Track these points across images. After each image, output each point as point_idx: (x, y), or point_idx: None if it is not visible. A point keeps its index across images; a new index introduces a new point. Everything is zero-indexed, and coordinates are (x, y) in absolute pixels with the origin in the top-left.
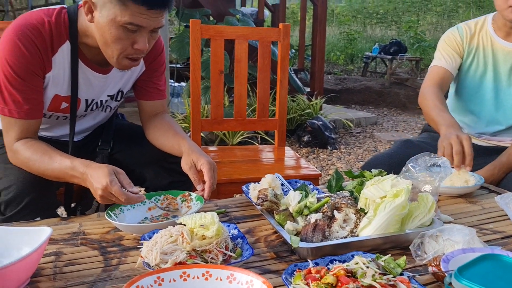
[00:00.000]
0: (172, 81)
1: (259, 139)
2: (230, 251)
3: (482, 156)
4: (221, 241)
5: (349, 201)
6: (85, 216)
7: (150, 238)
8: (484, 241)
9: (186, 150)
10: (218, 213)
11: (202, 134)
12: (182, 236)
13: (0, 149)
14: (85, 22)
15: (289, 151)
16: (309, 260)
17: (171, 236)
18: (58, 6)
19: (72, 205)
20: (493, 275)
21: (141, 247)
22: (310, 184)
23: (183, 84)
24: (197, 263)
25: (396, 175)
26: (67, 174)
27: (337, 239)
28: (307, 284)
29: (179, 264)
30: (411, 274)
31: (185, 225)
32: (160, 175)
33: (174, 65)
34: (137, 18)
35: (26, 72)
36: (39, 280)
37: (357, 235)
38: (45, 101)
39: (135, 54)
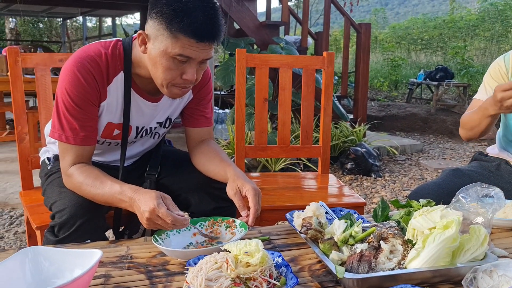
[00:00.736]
0: (216, 108)
1: (301, 166)
2: (275, 280)
3: None
4: (266, 269)
5: (396, 231)
6: (133, 240)
7: (195, 263)
8: None
9: (231, 176)
10: (262, 240)
11: (245, 160)
12: (227, 263)
13: (55, 173)
14: (138, 54)
15: (332, 179)
16: None
17: (216, 263)
18: (114, 39)
19: (120, 228)
20: None
21: (187, 273)
22: (355, 213)
23: (227, 110)
24: None
25: (445, 206)
26: (116, 199)
27: (383, 270)
28: None
29: None
30: None
31: (229, 251)
32: (205, 200)
33: (218, 92)
34: (187, 50)
35: (83, 101)
36: None
37: (405, 267)
38: (99, 129)
39: (183, 84)
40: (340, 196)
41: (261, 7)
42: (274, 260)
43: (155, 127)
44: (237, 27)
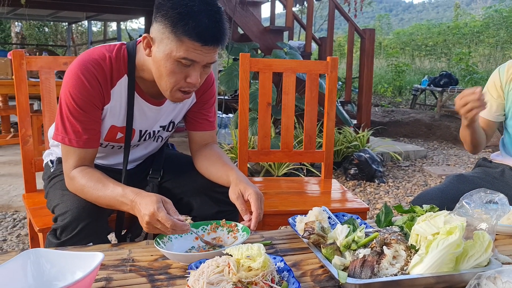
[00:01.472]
0: (220, 112)
1: (304, 171)
2: (276, 284)
3: None
4: (267, 273)
5: (399, 237)
6: (135, 243)
7: (197, 267)
8: None
9: (234, 180)
10: (264, 245)
11: (248, 164)
12: (229, 267)
13: (58, 176)
14: (142, 57)
15: (335, 184)
16: None
17: (218, 267)
18: (118, 43)
19: (123, 232)
20: None
21: (188, 276)
22: (357, 218)
23: (230, 115)
24: None
25: (449, 212)
26: (118, 201)
27: (386, 276)
28: None
29: None
30: None
31: (231, 255)
32: (207, 204)
33: (222, 97)
34: (191, 54)
35: (87, 104)
36: None
37: (408, 273)
38: (103, 132)
39: (187, 88)
40: (343, 201)
41: (265, 12)
42: (276, 264)
43: (158, 131)
44: (241, 32)
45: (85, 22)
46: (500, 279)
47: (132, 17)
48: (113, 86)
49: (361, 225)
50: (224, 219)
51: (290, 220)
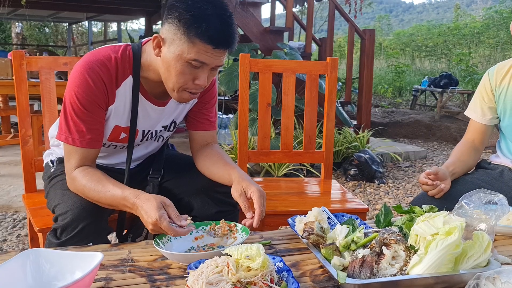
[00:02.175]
0: (220, 113)
1: (304, 172)
2: (275, 284)
3: None
4: (267, 274)
5: (398, 237)
6: (134, 244)
7: (196, 267)
8: None
9: (236, 178)
10: (263, 245)
11: (248, 165)
12: (228, 267)
13: (58, 176)
14: (148, 58)
15: (335, 184)
16: None
17: (217, 267)
18: (123, 44)
19: (124, 232)
20: None
21: (187, 276)
22: (357, 219)
23: (230, 116)
24: None
25: (448, 212)
26: (119, 203)
27: (385, 276)
28: None
29: None
30: None
31: (231, 256)
32: (208, 204)
33: (222, 98)
34: (202, 56)
35: (91, 104)
36: None
37: (407, 273)
38: (106, 132)
39: (194, 89)
40: (343, 202)
41: (265, 13)
42: (275, 264)
43: (160, 131)
44: (241, 32)
45: (86, 23)
46: (499, 280)
47: (133, 18)
48: (118, 87)
49: (360, 225)
50: (223, 219)
51: (290, 220)
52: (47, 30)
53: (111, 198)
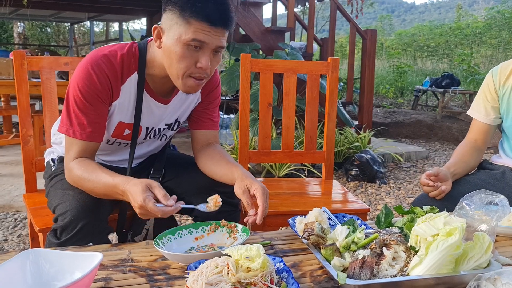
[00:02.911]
0: (221, 113)
1: (305, 172)
2: (275, 285)
3: None
4: (266, 274)
5: (399, 238)
6: (134, 244)
7: (196, 268)
8: None
9: (239, 176)
10: (263, 245)
11: (249, 165)
12: (228, 268)
13: (59, 175)
14: (153, 54)
15: (336, 185)
16: None
17: (217, 267)
18: (129, 42)
19: (124, 231)
20: None
21: (187, 277)
22: (358, 219)
23: (231, 116)
24: None
25: (449, 213)
26: (112, 191)
27: (386, 277)
28: None
29: None
30: None
31: (230, 256)
32: None
33: (223, 98)
34: (200, 35)
35: (94, 99)
36: None
37: (408, 274)
38: (110, 128)
39: (198, 73)
40: (344, 202)
41: (267, 13)
42: (275, 265)
43: (164, 129)
44: (242, 32)
45: (87, 23)
46: (500, 281)
47: (134, 18)
48: (123, 83)
49: (361, 226)
50: (223, 219)
51: (290, 221)
52: (49, 30)
53: (104, 187)
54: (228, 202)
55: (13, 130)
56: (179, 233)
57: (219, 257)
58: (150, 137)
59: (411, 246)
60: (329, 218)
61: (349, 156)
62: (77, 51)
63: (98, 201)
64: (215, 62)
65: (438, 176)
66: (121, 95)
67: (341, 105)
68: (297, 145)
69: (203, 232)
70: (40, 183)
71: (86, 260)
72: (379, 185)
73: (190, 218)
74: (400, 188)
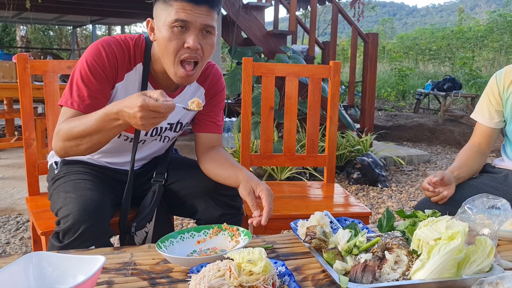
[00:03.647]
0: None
1: (307, 175)
2: None
3: None
4: (268, 278)
5: (401, 242)
6: (136, 247)
7: (198, 271)
8: None
9: (244, 178)
10: (265, 249)
11: (250, 168)
12: (230, 271)
13: (61, 178)
14: (154, 49)
15: (338, 188)
16: None
17: (219, 271)
18: (138, 34)
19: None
20: None
21: (189, 280)
22: (359, 223)
23: (233, 119)
24: None
25: (451, 217)
26: (105, 121)
27: (388, 281)
28: None
29: None
30: None
31: (233, 259)
32: (211, 207)
33: (225, 101)
34: (181, 14)
35: (99, 74)
36: None
37: (410, 278)
38: None
39: (186, 54)
40: (346, 206)
41: (268, 16)
42: (277, 268)
43: (166, 128)
44: (244, 36)
45: (90, 26)
46: (502, 285)
47: (136, 21)
48: (129, 70)
49: (362, 229)
50: (225, 223)
51: (292, 224)
52: (51, 33)
53: (96, 122)
54: (231, 205)
55: (16, 133)
56: (181, 236)
57: (221, 260)
58: (151, 135)
59: (413, 250)
60: (331, 222)
61: (351, 160)
62: (79, 55)
63: (101, 205)
64: (207, 46)
65: (443, 180)
66: (126, 81)
67: (342, 108)
68: (299, 149)
69: (205, 235)
70: (43, 186)
71: (89, 263)
72: (381, 188)
73: (192, 221)
74: (402, 191)
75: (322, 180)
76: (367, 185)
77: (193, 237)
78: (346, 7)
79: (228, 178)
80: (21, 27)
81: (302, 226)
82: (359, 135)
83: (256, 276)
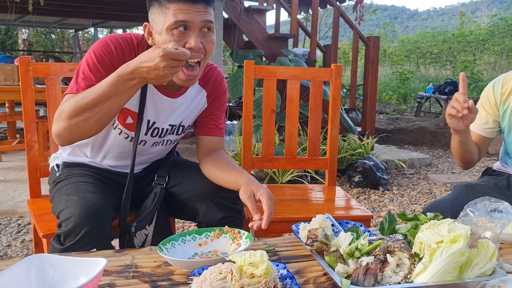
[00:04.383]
0: None
1: (308, 178)
2: None
3: None
4: (270, 281)
5: (403, 245)
6: (138, 250)
7: (199, 274)
8: None
9: (245, 181)
10: (267, 251)
11: (252, 171)
12: (232, 274)
13: (63, 181)
14: None
15: (339, 191)
16: None
17: (221, 273)
18: (141, 33)
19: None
20: None
21: (191, 283)
22: (361, 226)
23: (235, 122)
24: None
25: (453, 220)
26: (119, 83)
27: (390, 284)
28: None
29: None
30: None
31: (234, 262)
32: (213, 210)
33: (226, 104)
34: (180, 15)
35: (106, 64)
36: None
37: (412, 281)
38: None
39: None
40: (347, 209)
41: (270, 19)
42: (279, 271)
43: (167, 129)
44: (246, 39)
45: (92, 29)
46: None
47: (138, 24)
48: None
49: (364, 232)
50: (226, 226)
51: (294, 227)
52: (53, 36)
53: (108, 87)
54: (233, 208)
55: (17, 136)
56: (182, 239)
57: (223, 263)
58: (152, 135)
59: (415, 253)
60: (332, 225)
61: (352, 163)
62: (81, 58)
63: (102, 207)
64: (209, 43)
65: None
66: None
67: (344, 111)
68: (300, 152)
69: (207, 238)
70: (44, 188)
71: (90, 265)
72: (382, 191)
73: (194, 224)
74: (403, 194)
75: (324, 183)
76: (369, 188)
77: (194, 240)
78: (347, 10)
79: (229, 181)
80: (23, 30)
81: (303, 229)
82: (360, 138)
83: (257, 279)
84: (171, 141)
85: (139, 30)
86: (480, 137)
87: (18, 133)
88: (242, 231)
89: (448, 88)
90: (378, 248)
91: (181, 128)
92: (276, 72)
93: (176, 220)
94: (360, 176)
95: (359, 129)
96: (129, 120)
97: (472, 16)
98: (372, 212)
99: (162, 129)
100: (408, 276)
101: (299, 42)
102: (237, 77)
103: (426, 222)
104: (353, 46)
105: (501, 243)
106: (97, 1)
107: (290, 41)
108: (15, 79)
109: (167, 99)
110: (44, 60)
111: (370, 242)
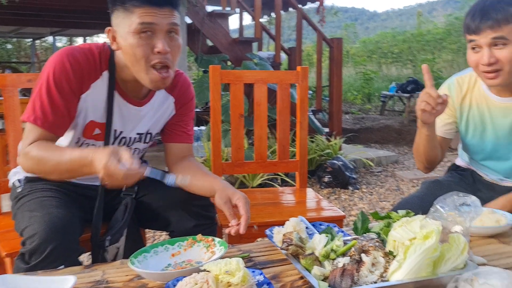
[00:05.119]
0: None
1: (279, 181)
2: None
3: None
4: None
5: (377, 243)
6: (108, 264)
7: (174, 285)
8: None
9: (220, 187)
10: (242, 258)
11: (222, 177)
12: (207, 284)
13: (25, 196)
14: (118, 57)
15: (310, 193)
16: None
17: (196, 284)
18: (101, 42)
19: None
20: None
21: None
22: (335, 227)
23: (202, 128)
24: None
25: (424, 216)
26: (77, 164)
27: (366, 284)
28: None
29: None
30: None
31: (210, 271)
32: (185, 218)
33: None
34: (145, 17)
35: (63, 88)
36: None
37: (388, 280)
38: (81, 126)
39: (158, 60)
40: (319, 210)
41: (233, 24)
42: (255, 278)
43: (135, 138)
44: (210, 44)
45: (50, 38)
46: (477, 281)
47: (98, 32)
48: (96, 79)
49: (338, 233)
50: (200, 234)
51: (268, 231)
52: (9, 46)
53: (69, 162)
54: (205, 216)
55: None
56: (154, 250)
57: (198, 273)
58: (118, 144)
59: (389, 251)
60: (306, 227)
61: (321, 164)
62: (39, 67)
63: (68, 222)
64: (175, 48)
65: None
66: (93, 91)
67: (311, 113)
68: (270, 155)
69: (180, 248)
70: (5, 205)
71: (59, 284)
72: (352, 191)
73: (165, 233)
74: (372, 192)
75: (294, 185)
76: (339, 188)
77: (167, 250)
78: (308, 13)
79: (202, 188)
80: None
81: (278, 233)
82: (328, 139)
83: (234, 287)
84: (139, 149)
85: (99, 38)
86: (440, 138)
87: None
88: (216, 239)
89: (410, 87)
90: (353, 249)
91: (148, 136)
92: (243, 76)
93: (146, 230)
94: (329, 176)
95: (326, 130)
96: (97, 131)
97: (429, 16)
98: (343, 212)
99: (130, 138)
100: (384, 275)
101: (263, 46)
102: (203, 83)
103: (398, 220)
104: (317, 48)
105: (470, 236)
106: (55, 9)
107: (255, 44)
108: None
109: (133, 107)
110: (0, 71)
111: (345, 243)
